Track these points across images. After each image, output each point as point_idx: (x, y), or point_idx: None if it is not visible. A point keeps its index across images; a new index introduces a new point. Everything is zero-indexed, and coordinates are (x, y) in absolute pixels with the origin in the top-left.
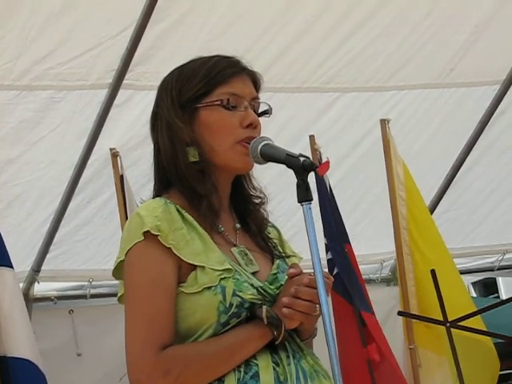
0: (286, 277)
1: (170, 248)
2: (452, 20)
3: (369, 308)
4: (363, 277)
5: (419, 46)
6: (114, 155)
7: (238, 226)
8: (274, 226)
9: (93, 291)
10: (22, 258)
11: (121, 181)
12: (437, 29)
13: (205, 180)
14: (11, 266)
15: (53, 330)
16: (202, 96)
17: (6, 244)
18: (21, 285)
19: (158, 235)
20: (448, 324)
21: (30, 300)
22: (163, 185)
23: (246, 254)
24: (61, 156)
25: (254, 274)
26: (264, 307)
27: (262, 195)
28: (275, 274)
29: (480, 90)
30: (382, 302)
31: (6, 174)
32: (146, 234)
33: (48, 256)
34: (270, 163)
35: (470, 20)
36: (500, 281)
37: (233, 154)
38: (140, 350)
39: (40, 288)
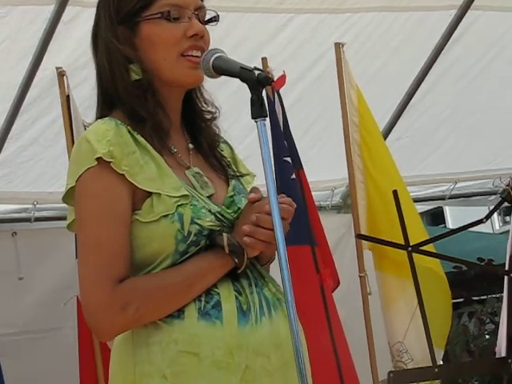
0: (243, 199)
1: (123, 175)
2: None
3: (306, 240)
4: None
5: None
6: (61, 74)
7: (190, 146)
8: (226, 143)
9: (37, 214)
10: None
11: (67, 101)
12: None
13: (147, 100)
14: None
15: None
16: (141, 9)
17: None
18: None
19: (110, 162)
20: (410, 248)
21: None
22: (106, 105)
23: (201, 176)
24: (4, 75)
25: (209, 197)
26: (225, 235)
27: (213, 110)
28: (232, 196)
29: (436, 15)
30: (333, 229)
31: None
32: (99, 160)
33: None
34: (222, 77)
35: None
36: (447, 211)
37: (178, 68)
38: (95, 284)
39: None
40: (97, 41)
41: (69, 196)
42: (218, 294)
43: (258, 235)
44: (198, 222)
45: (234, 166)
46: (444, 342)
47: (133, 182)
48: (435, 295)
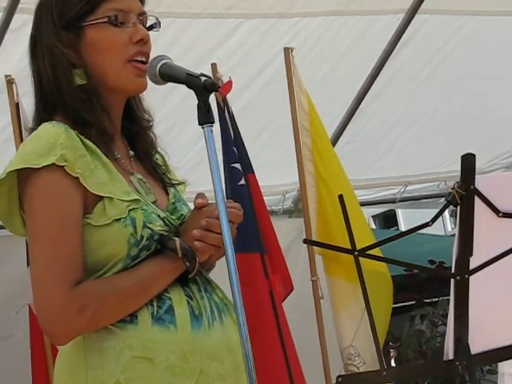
0: (184, 206)
1: (77, 178)
2: None
3: (254, 247)
4: None
5: None
6: (10, 82)
7: (131, 152)
8: (158, 152)
9: None
10: None
11: (16, 108)
12: None
13: (93, 105)
14: None
15: None
16: (86, 14)
17: None
18: None
19: (64, 165)
20: (356, 253)
21: None
22: (47, 111)
23: (144, 183)
24: None
25: (153, 203)
26: (177, 239)
27: (150, 118)
28: (174, 203)
29: (384, 19)
30: (284, 233)
31: None
32: (51, 165)
33: None
34: (169, 84)
35: None
36: (400, 213)
37: (125, 74)
38: (51, 287)
39: None
40: (37, 46)
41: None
42: (170, 298)
43: (208, 240)
44: (150, 226)
45: (168, 175)
46: (383, 339)
47: (85, 185)
48: (381, 296)
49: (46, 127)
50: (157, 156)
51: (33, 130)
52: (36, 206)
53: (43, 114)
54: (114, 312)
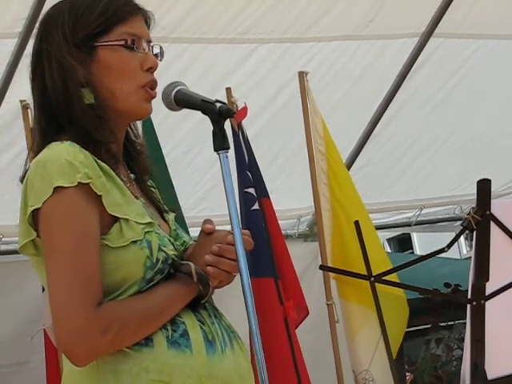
0: (184, 233)
1: (100, 196)
2: None
3: (268, 272)
4: None
5: None
6: (25, 107)
7: (132, 176)
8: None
9: (3, 247)
10: None
11: (32, 134)
12: None
13: (102, 125)
14: None
15: None
16: (100, 34)
17: None
18: None
19: (89, 182)
20: (372, 278)
21: None
22: (53, 130)
23: (148, 207)
24: None
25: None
26: (191, 264)
27: (143, 143)
28: (175, 229)
29: (399, 43)
30: (299, 257)
31: None
32: (76, 183)
33: None
34: (184, 110)
35: None
36: (414, 237)
37: (135, 99)
38: (72, 309)
39: None
40: (42, 58)
41: (28, 219)
42: (184, 322)
43: (221, 265)
44: (164, 249)
45: (161, 200)
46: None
47: (104, 204)
48: (396, 319)
49: (63, 146)
50: (149, 182)
51: (39, 150)
52: (54, 225)
53: (48, 131)
54: (135, 334)
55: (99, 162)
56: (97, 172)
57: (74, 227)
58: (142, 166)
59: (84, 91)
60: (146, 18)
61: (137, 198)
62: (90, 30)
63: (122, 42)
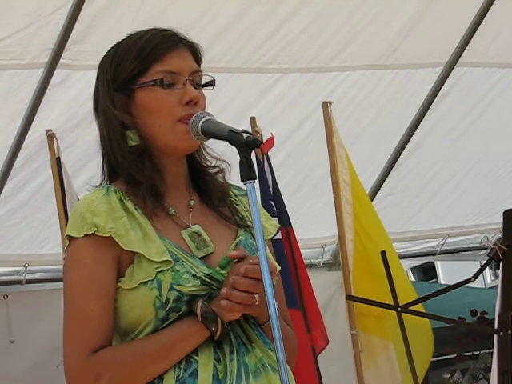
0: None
1: (110, 236)
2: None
3: (293, 303)
4: (305, 261)
5: (361, 26)
6: (50, 137)
7: (191, 202)
8: (232, 193)
9: (28, 276)
10: None
11: (57, 163)
12: (379, 8)
13: (144, 165)
14: None
15: None
16: (137, 76)
17: None
18: None
19: (94, 232)
20: (399, 309)
21: None
22: (112, 174)
23: (199, 235)
24: None
25: (206, 257)
26: (200, 302)
27: (218, 163)
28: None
29: (423, 72)
30: (324, 286)
31: None
32: (82, 235)
33: None
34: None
35: (412, 0)
36: (439, 266)
37: (174, 134)
38: (72, 353)
39: None
40: (97, 107)
41: None
42: (197, 361)
43: (233, 298)
44: (178, 288)
45: (244, 214)
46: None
47: (119, 242)
48: (421, 349)
49: (88, 196)
50: (241, 199)
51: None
52: (68, 271)
53: (109, 174)
54: (133, 378)
55: (128, 203)
56: (116, 214)
57: (83, 274)
58: (214, 186)
59: (130, 133)
60: (192, 49)
61: (185, 227)
62: (128, 73)
63: (153, 82)
